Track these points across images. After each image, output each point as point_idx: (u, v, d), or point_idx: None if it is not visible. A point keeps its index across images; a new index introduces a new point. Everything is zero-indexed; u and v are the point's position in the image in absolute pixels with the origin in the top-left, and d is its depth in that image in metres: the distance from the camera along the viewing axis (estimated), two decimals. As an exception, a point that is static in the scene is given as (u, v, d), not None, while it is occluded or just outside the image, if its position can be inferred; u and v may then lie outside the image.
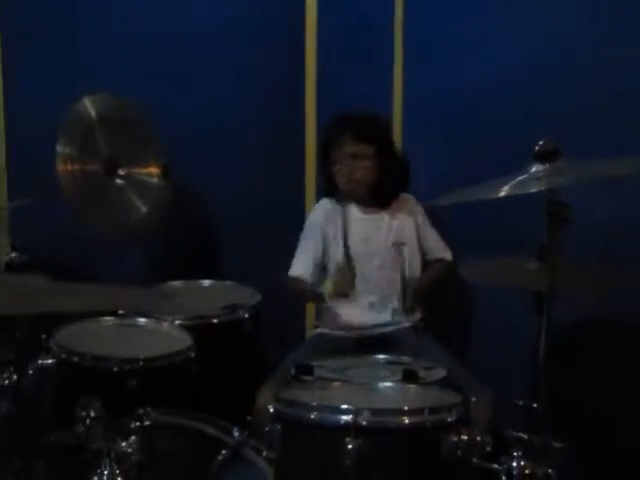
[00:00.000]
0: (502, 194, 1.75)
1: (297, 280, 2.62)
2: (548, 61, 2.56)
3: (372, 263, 2.64)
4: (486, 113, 2.68)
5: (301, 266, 2.63)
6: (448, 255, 2.71)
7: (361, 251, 2.63)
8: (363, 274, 2.62)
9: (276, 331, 2.68)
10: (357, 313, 2.64)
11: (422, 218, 2.70)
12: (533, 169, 1.78)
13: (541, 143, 1.78)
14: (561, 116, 2.49)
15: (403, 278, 2.63)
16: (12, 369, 2.11)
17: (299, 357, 2.42)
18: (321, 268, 2.64)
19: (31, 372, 2.13)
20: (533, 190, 1.70)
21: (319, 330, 2.71)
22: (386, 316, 2.64)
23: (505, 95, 2.64)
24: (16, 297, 1.74)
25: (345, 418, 1.63)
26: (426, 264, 2.72)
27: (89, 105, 2.58)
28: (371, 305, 2.65)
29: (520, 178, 1.78)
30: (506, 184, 1.77)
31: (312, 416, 1.68)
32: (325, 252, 2.65)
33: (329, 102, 3.05)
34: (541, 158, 1.77)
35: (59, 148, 2.48)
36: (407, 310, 2.64)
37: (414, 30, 2.89)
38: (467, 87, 2.73)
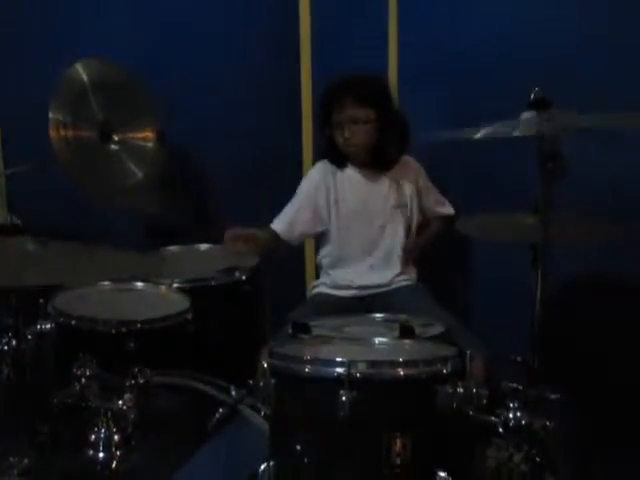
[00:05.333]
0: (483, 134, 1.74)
1: (269, 230, 2.68)
2: (541, 13, 2.53)
3: (373, 225, 2.64)
4: (480, 64, 2.66)
5: (279, 222, 2.68)
6: (450, 210, 2.73)
7: (361, 213, 2.64)
8: (364, 236, 2.63)
9: (275, 292, 2.67)
10: (357, 274, 2.65)
11: (423, 179, 2.70)
12: (524, 116, 1.77)
13: (536, 90, 1.77)
14: (556, 69, 2.46)
15: (403, 239, 2.63)
16: (11, 334, 2.11)
17: (298, 317, 2.41)
18: (299, 230, 2.68)
19: (30, 337, 2.11)
20: (516, 134, 1.70)
21: (317, 290, 2.72)
22: (386, 276, 2.64)
23: (499, 46, 2.62)
24: (12, 266, 1.73)
25: (339, 370, 1.61)
26: (427, 222, 2.72)
27: (81, 70, 2.55)
28: (371, 267, 2.66)
29: (510, 124, 1.77)
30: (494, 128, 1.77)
31: (306, 369, 1.66)
32: (314, 216, 2.66)
33: (324, 56, 3.04)
34: (534, 106, 1.76)
35: (52, 114, 2.44)
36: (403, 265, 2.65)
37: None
38: (460, 39, 2.71)
